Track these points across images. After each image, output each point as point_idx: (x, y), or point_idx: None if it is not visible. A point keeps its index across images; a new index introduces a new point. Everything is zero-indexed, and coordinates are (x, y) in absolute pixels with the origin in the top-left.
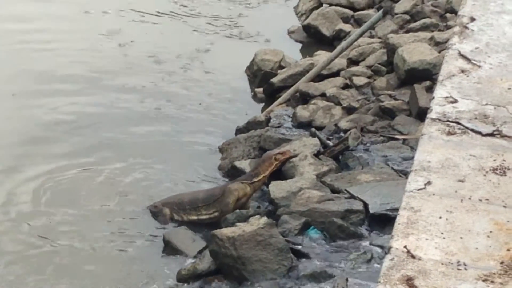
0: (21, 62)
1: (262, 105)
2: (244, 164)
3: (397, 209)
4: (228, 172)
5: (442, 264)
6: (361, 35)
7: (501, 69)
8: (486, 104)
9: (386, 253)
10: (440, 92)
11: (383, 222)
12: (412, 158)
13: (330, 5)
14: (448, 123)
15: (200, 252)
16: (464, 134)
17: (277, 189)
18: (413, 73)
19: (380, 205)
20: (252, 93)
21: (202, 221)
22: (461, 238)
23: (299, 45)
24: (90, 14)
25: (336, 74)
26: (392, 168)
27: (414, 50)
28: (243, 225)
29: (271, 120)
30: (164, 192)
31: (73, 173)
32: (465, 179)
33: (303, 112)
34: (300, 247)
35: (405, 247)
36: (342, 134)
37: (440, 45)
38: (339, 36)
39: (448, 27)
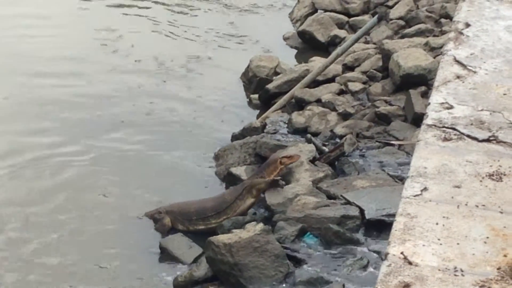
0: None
1: (257, 111)
2: (240, 171)
3: (393, 215)
4: (224, 178)
5: (439, 270)
6: (356, 41)
7: (497, 75)
8: (482, 110)
9: (383, 260)
10: (435, 98)
11: (379, 227)
12: (408, 163)
13: (325, 11)
14: (444, 129)
15: (197, 259)
16: (460, 140)
17: (273, 195)
18: (409, 79)
19: (376, 211)
20: (248, 100)
21: (210, 229)
22: (458, 244)
23: (294, 51)
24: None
25: (331, 80)
26: (388, 174)
27: (409, 56)
28: (239, 232)
29: (267, 127)
30: (160, 198)
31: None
32: (462, 185)
33: (298, 118)
34: (296, 253)
35: (402, 253)
36: (337, 140)
37: (435, 51)
38: (334, 42)
39: (443, 33)
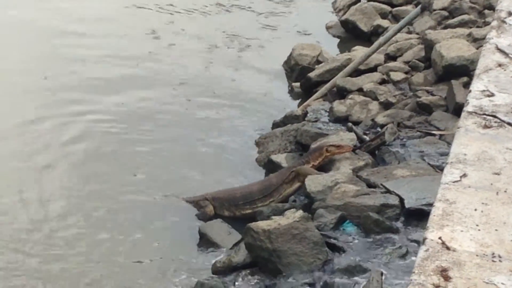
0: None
1: (299, 99)
2: (281, 158)
3: (432, 204)
4: (264, 166)
5: (477, 255)
6: (398, 30)
7: None
8: None
9: (421, 244)
10: (477, 85)
11: (419, 217)
12: (449, 153)
13: (368, 0)
14: (485, 116)
15: (236, 244)
16: (500, 128)
17: (313, 183)
18: (451, 69)
19: (416, 200)
20: (289, 88)
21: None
22: (496, 230)
23: (337, 40)
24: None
25: (373, 69)
26: (429, 163)
27: (452, 46)
28: (278, 219)
29: (308, 115)
30: (200, 185)
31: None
32: (501, 172)
33: (340, 107)
34: (335, 241)
35: (440, 238)
36: (378, 129)
37: (478, 42)
38: (377, 31)
39: (486, 24)
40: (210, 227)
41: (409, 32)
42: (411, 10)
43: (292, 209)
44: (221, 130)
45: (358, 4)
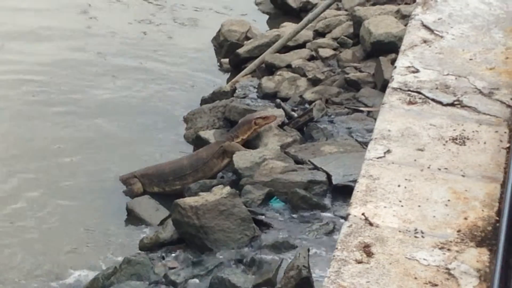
0: None
1: (228, 75)
2: (209, 134)
3: None
4: (192, 142)
5: (400, 231)
6: (327, 7)
7: (463, 40)
8: (448, 75)
9: (344, 220)
10: (402, 62)
11: (346, 193)
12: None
13: None
14: (409, 92)
15: (163, 221)
16: (424, 104)
17: (241, 159)
18: (379, 46)
19: (343, 177)
20: (218, 64)
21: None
22: (419, 206)
23: (266, 17)
24: None
25: (302, 45)
26: (356, 140)
27: (381, 23)
28: (206, 195)
29: (237, 91)
30: (129, 161)
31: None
32: (425, 148)
33: (268, 83)
34: (263, 217)
35: (363, 214)
36: (307, 105)
37: (406, 18)
38: (306, 8)
39: (415, 1)
40: (138, 203)
41: (338, 9)
42: None
43: (219, 186)
44: (150, 107)
45: None
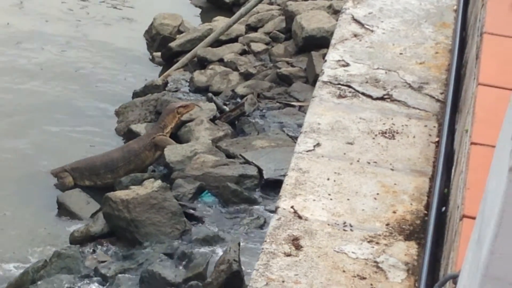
0: None
1: (160, 69)
2: (140, 128)
3: None
4: (124, 135)
5: (328, 225)
6: (260, 1)
7: (394, 34)
8: (378, 69)
9: (274, 214)
10: (332, 55)
11: (277, 187)
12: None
13: None
14: (339, 86)
15: (94, 214)
16: (354, 98)
17: (172, 153)
18: (311, 41)
19: (274, 171)
20: (150, 58)
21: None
22: (348, 199)
23: (199, 10)
24: None
25: (234, 40)
26: (287, 135)
27: (313, 18)
28: (137, 188)
29: (168, 84)
30: (61, 155)
31: None
32: (354, 142)
33: (200, 77)
34: (193, 211)
35: (292, 207)
36: (238, 99)
37: (339, 14)
38: (239, 2)
39: None
40: (69, 197)
41: (271, 3)
42: None
43: (150, 179)
44: (81, 101)
45: None
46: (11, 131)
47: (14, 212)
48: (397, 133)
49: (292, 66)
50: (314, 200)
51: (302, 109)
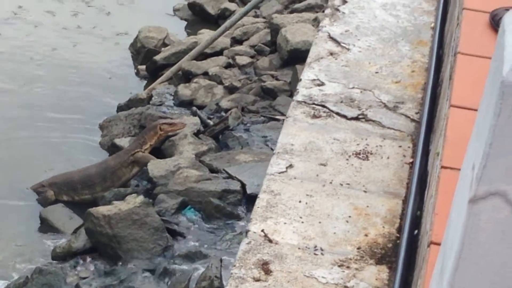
0: None
1: (145, 82)
2: (124, 142)
3: None
4: (108, 149)
5: (299, 248)
6: (245, 14)
7: (370, 53)
8: (353, 88)
9: (243, 237)
10: (307, 74)
11: None
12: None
13: None
14: (314, 106)
15: (77, 230)
16: (329, 118)
17: (155, 167)
18: (296, 54)
19: (257, 186)
20: (135, 71)
21: (96, 198)
22: (319, 222)
23: (184, 23)
24: None
25: (219, 53)
26: (271, 149)
27: (298, 31)
28: (119, 204)
29: (153, 98)
30: (43, 170)
31: None
32: (328, 163)
33: (185, 90)
34: (176, 226)
35: (262, 231)
36: (223, 113)
37: None
38: (224, 15)
39: None
40: (51, 212)
41: (256, 16)
42: None
43: (133, 194)
44: (65, 114)
45: None
46: None
47: None
48: (371, 154)
49: (277, 79)
50: (285, 223)
51: None
